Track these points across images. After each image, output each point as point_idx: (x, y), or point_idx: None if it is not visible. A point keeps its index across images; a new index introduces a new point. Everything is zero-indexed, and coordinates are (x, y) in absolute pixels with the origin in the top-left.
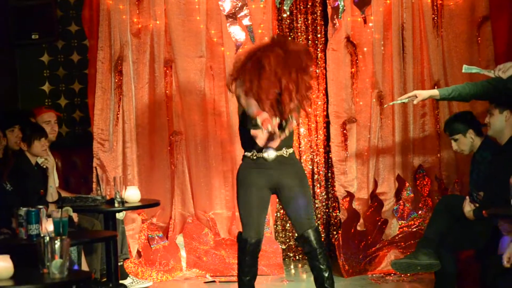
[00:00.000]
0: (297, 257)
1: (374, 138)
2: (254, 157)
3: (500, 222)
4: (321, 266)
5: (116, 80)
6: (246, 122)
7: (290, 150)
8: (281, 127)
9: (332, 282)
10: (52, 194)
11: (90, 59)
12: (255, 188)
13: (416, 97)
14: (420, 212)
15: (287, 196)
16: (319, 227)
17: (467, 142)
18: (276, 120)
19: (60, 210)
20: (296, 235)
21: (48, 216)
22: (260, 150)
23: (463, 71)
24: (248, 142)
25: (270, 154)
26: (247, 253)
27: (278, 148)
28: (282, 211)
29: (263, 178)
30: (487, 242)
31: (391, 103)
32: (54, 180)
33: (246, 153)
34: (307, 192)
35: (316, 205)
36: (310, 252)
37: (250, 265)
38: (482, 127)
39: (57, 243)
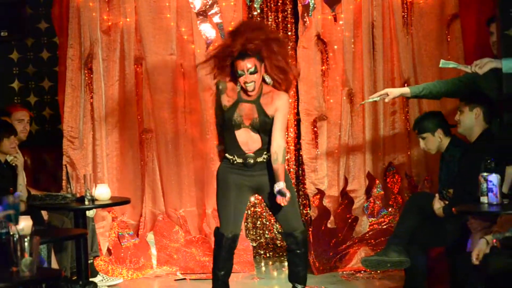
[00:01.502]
0: (268, 255)
1: (344, 135)
2: (234, 162)
3: (470, 221)
4: (299, 266)
5: (86, 78)
6: (228, 124)
7: (269, 154)
8: None
9: (305, 280)
10: (22, 192)
11: (60, 56)
12: (235, 186)
13: (388, 95)
14: (390, 209)
15: (271, 196)
16: (307, 229)
17: (435, 141)
18: None
19: (12, 195)
20: (281, 230)
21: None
22: (241, 156)
23: (440, 65)
24: (230, 145)
25: (249, 161)
26: (223, 248)
27: (258, 155)
28: (253, 208)
29: (243, 178)
30: (457, 239)
31: (363, 102)
32: (23, 178)
33: (227, 155)
34: (291, 192)
35: None
36: (293, 250)
37: (226, 259)
38: (451, 127)
39: (27, 241)
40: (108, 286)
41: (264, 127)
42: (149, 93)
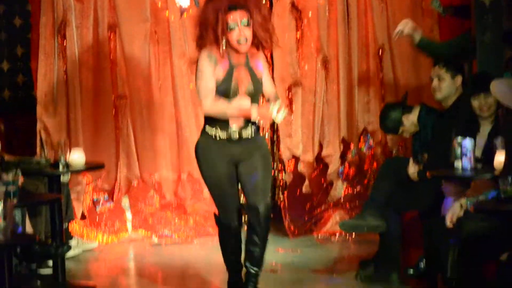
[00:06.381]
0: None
1: (319, 102)
2: (217, 138)
3: (444, 184)
4: (256, 246)
5: (59, 45)
6: (222, 95)
7: (254, 126)
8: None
9: (261, 263)
10: None
11: (33, 24)
12: (221, 165)
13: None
14: (365, 174)
15: (247, 167)
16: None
17: (409, 125)
18: (274, 106)
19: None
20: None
21: None
22: (224, 130)
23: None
24: (215, 118)
25: (234, 136)
26: (232, 237)
27: (244, 127)
28: None
29: (226, 152)
30: (431, 203)
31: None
32: None
33: (207, 130)
34: (268, 167)
35: None
36: (253, 227)
37: (236, 245)
38: (405, 99)
39: (1, 206)
40: (83, 250)
41: (258, 92)
42: (123, 60)
